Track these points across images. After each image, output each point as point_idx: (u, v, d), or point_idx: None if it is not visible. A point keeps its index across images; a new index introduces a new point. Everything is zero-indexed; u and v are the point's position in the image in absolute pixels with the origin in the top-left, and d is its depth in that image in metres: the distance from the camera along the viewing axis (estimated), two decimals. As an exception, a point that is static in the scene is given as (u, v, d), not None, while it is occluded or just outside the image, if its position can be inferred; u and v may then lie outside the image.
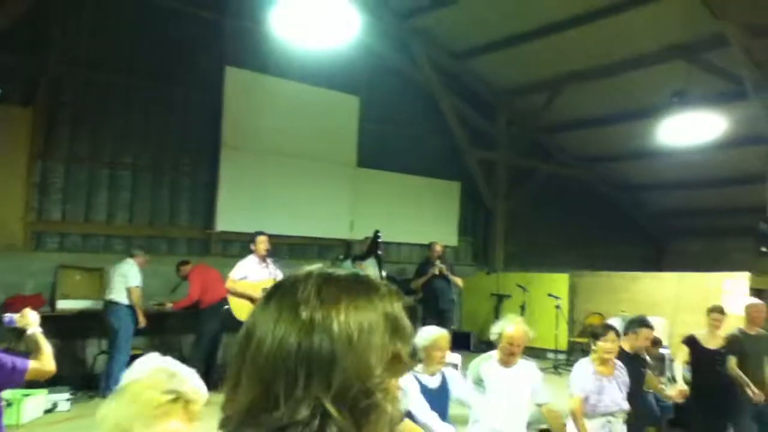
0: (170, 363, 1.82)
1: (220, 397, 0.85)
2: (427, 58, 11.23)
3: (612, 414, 4.36)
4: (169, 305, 8.10)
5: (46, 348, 3.18)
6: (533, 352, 9.65)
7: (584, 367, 4.50)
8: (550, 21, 9.94)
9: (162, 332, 8.48)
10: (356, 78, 10.84)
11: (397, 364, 0.81)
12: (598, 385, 4.37)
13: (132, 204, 8.90)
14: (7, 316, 3.34)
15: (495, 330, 4.18)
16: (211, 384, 6.99)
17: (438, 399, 3.82)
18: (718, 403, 5.54)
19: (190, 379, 1.80)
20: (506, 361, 4.10)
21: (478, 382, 4.14)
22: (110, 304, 7.27)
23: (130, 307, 7.29)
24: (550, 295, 9.41)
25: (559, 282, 10.18)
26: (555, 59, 10.86)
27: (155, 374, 1.76)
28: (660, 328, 7.77)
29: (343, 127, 10.70)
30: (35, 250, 8.13)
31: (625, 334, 5.07)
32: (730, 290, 8.30)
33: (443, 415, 3.83)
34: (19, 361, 3.03)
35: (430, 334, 3.91)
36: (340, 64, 10.06)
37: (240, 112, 9.55)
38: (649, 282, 9.66)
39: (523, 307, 9.61)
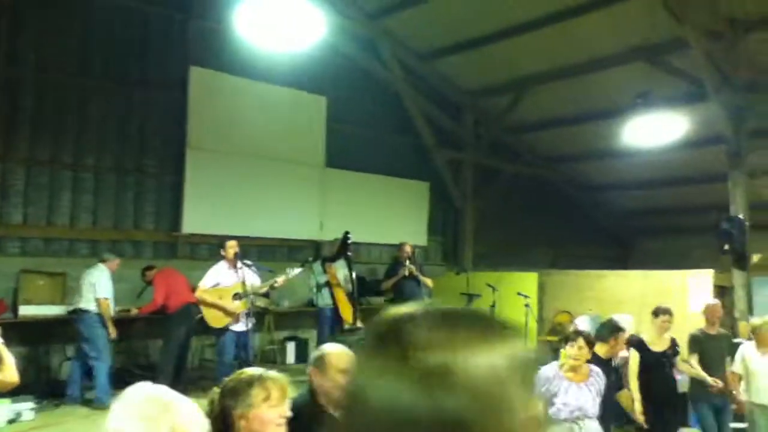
0: (162, 393, 1.72)
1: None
2: (394, 58, 11.24)
3: (576, 420, 4.18)
4: (134, 311, 7.96)
5: (9, 359, 3.17)
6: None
7: (547, 370, 4.31)
8: (514, 23, 10.04)
9: (129, 338, 8.33)
10: (323, 78, 10.79)
11: (535, 426, 0.63)
12: (563, 388, 4.21)
13: (95, 207, 8.72)
14: None
15: None
16: (180, 388, 6.94)
17: None
18: (668, 405, 5.59)
19: (184, 410, 1.67)
20: None
21: None
22: (79, 312, 7.11)
23: (100, 315, 7.13)
24: (519, 293, 9.48)
25: (528, 281, 10.27)
26: (519, 60, 10.97)
27: (147, 407, 1.64)
28: (629, 325, 7.90)
29: (311, 128, 10.64)
30: (-5, 255, 7.91)
31: (603, 339, 4.98)
32: (695, 288, 8.47)
33: None
34: None
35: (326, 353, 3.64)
36: (307, 64, 10.01)
37: (205, 112, 9.43)
38: (615, 280, 9.81)
39: (493, 306, 9.66)
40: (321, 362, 3.06)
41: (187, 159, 9.25)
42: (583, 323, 8.82)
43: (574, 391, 4.21)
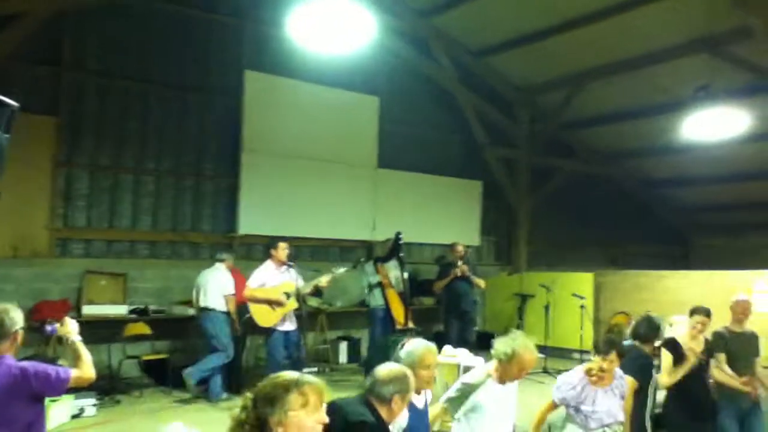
0: None
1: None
2: (446, 56, 11.18)
3: (607, 426, 4.08)
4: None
5: (86, 356, 3.29)
6: (558, 352, 9.58)
7: (574, 375, 4.22)
8: (569, 17, 9.85)
9: (186, 336, 8.53)
10: (375, 78, 10.82)
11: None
12: (591, 396, 4.10)
13: (155, 209, 8.97)
14: (49, 326, 3.47)
15: (506, 349, 3.87)
16: (234, 389, 7.08)
17: (422, 418, 3.67)
18: (700, 407, 5.28)
19: None
20: (505, 381, 3.92)
21: (475, 406, 3.92)
22: (206, 310, 7.44)
23: (227, 314, 7.45)
24: (574, 294, 9.31)
25: (583, 281, 10.07)
26: (575, 55, 10.75)
27: None
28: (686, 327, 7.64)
29: (363, 128, 10.69)
30: (61, 257, 8.23)
31: (646, 340, 4.85)
32: (762, 289, 8.13)
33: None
34: (61, 371, 3.14)
35: (414, 351, 3.58)
36: (359, 65, 10.05)
37: (260, 115, 9.59)
38: (675, 281, 9.50)
39: (547, 307, 9.52)
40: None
41: (243, 162, 9.42)
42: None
43: (600, 398, 4.10)
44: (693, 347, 5.15)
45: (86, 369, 3.26)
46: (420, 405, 3.63)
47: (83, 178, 8.48)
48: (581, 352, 9.18)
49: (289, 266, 6.94)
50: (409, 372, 3.18)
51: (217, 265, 7.75)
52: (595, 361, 4.15)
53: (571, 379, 4.18)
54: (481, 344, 9.16)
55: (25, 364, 3.12)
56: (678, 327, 7.85)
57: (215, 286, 7.48)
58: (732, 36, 9.11)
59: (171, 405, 6.96)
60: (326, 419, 2.22)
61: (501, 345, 3.90)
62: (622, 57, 10.44)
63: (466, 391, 3.92)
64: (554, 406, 4.21)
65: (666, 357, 5.12)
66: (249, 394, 2.17)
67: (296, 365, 6.33)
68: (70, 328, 3.36)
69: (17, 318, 3.18)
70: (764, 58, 8.83)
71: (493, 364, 3.93)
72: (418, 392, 3.52)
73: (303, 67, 9.67)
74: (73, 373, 3.19)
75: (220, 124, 9.51)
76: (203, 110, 9.39)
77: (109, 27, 8.68)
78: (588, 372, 4.15)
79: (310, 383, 2.19)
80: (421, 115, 11.57)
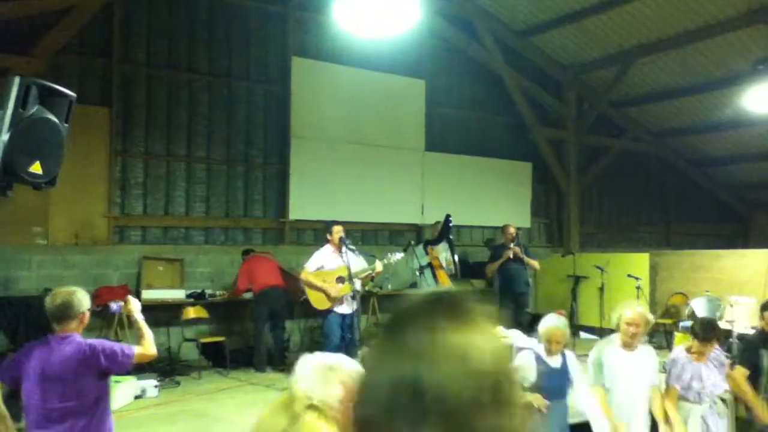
0: (326, 358, 2.06)
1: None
2: (491, 37, 11.03)
3: (716, 396, 4.45)
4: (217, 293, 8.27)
5: (148, 334, 3.49)
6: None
7: (679, 356, 4.52)
8: (617, -8, 9.60)
9: (241, 320, 8.72)
10: (421, 61, 10.78)
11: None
12: (697, 372, 4.41)
13: (208, 196, 9.16)
14: (114, 304, 3.77)
15: (614, 317, 4.29)
16: (280, 368, 7.21)
17: (559, 378, 4.10)
18: None
19: (347, 367, 2.01)
20: (627, 343, 4.19)
21: (597, 367, 4.25)
22: None
23: None
24: (629, 275, 9.13)
25: (638, 262, 9.87)
26: (623, 31, 10.48)
27: (318, 370, 2.01)
28: (749, 308, 7.45)
29: (410, 112, 10.66)
30: (119, 243, 8.48)
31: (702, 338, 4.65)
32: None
33: (563, 392, 4.12)
34: (126, 348, 3.37)
35: (545, 326, 4.12)
36: (404, 49, 10.01)
37: (307, 101, 9.66)
38: (734, 260, 9.24)
39: (601, 289, 9.36)
40: None
41: (291, 148, 9.52)
42: (700, 305, 8.40)
43: (705, 373, 4.41)
44: None
45: (148, 346, 3.45)
46: (555, 365, 4.10)
47: (138, 167, 8.70)
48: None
49: (351, 250, 6.98)
50: None
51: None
52: (695, 345, 4.42)
53: (679, 359, 4.50)
54: (534, 326, 9.10)
55: (94, 341, 3.33)
56: (738, 307, 7.68)
57: None
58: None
59: (228, 386, 7.13)
60: None
61: (613, 314, 4.35)
62: (673, 32, 10.14)
63: (596, 357, 4.31)
64: (676, 391, 4.45)
65: None
66: (294, 377, 2.23)
67: (349, 347, 6.41)
68: (133, 306, 3.55)
69: (84, 300, 3.37)
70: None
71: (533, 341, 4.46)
72: (552, 355, 4.10)
73: (348, 53, 9.69)
74: (137, 350, 3.39)
75: (267, 112, 9.62)
76: (250, 98, 9.51)
77: (156, 18, 8.85)
78: (689, 350, 4.47)
79: (348, 371, 2.32)
80: (467, 97, 11.48)
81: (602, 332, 8.94)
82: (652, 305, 9.57)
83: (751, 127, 11.05)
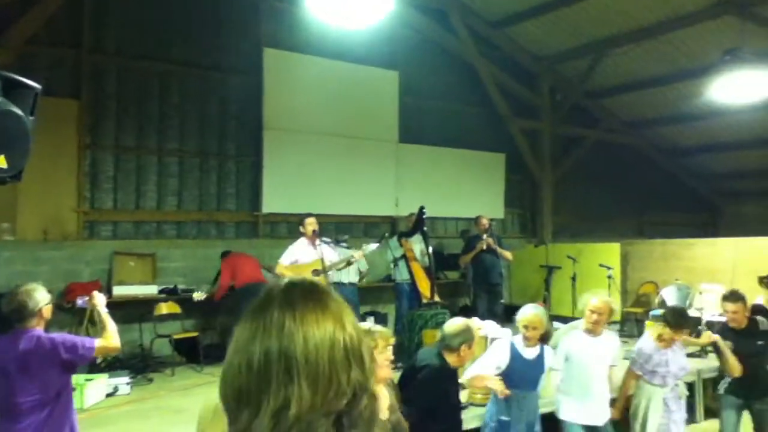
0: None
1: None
2: (465, 27, 11.03)
3: (677, 383, 4.75)
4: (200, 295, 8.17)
5: (111, 327, 3.61)
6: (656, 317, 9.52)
7: (646, 346, 4.76)
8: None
9: (214, 315, 8.64)
10: (394, 52, 10.74)
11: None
12: (663, 359, 4.66)
13: (180, 190, 9.04)
14: (80, 299, 4.05)
15: (580, 303, 4.59)
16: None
17: (533, 368, 4.24)
18: None
19: None
20: (591, 329, 4.45)
21: (564, 354, 4.51)
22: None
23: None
24: (601, 265, 9.23)
25: (610, 251, 9.98)
26: (596, 22, 10.55)
27: None
28: (718, 295, 7.56)
29: (384, 103, 10.63)
30: (89, 239, 8.35)
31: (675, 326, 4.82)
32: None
33: (535, 383, 4.27)
34: (87, 340, 3.49)
35: (523, 315, 4.27)
36: (378, 40, 9.97)
37: (280, 93, 9.57)
38: (704, 249, 9.38)
39: (573, 278, 9.46)
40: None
41: (265, 140, 9.44)
42: (670, 294, 8.52)
43: (671, 358, 4.67)
44: None
45: (110, 338, 3.57)
46: (529, 356, 4.23)
47: (108, 161, 8.56)
48: (609, 323, 9.12)
49: (325, 242, 6.96)
50: (471, 324, 3.95)
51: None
52: (667, 332, 4.62)
53: (644, 348, 4.74)
54: (509, 316, 9.16)
55: (55, 335, 3.44)
56: (707, 295, 7.81)
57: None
58: (760, -4, 8.87)
59: (203, 382, 7.07)
60: (392, 357, 3.13)
61: (580, 300, 4.68)
62: (646, 22, 10.23)
63: (559, 334, 4.64)
64: (636, 375, 4.76)
65: None
66: None
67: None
68: (97, 300, 3.71)
69: (40, 297, 3.42)
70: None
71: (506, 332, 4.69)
72: (529, 347, 4.24)
73: (322, 44, 9.61)
74: (98, 342, 3.50)
75: (240, 103, 9.51)
76: (223, 89, 9.40)
77: (128, 8, 8.69)
78: (659, 338, 4.67)
79: (378, 331, 3.11)
80: (442, 88, 11.47)
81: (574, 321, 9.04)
82: (624, 294, 9.69)
83: (720, 118, 11.21)
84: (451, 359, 3.87)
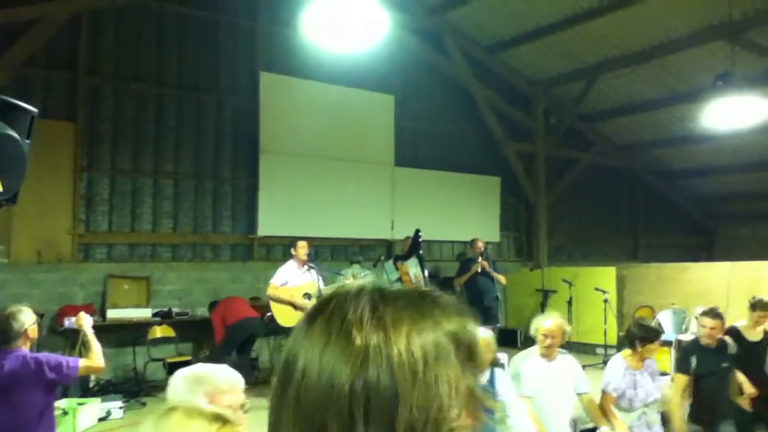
0: (197, 369, 2.15)
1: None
2: (460, 52, 11.14)
3: (647, 405, 4.53)
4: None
5: (96, 346, 3.72)
6: (582, 348, 9.51)
7: (618, 364, 4.59)
8: (583, 8, 9.81)
9: (209, 338, 8.58)
10: (390, 76, 10.81)
11: (472, 400, 0.66)
12: (632, 380, 4.50)
13: (176, 212, 9.03)
14: (67, 320, 4.21)
15: (533, 325, 4.40)
16: (253, 386, 7.19)
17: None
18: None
19: (219, 378, 2.10)
20: (546, 354, 4.31)
21: (516, 378, 4.31)
22: None
23: None
24: (597, 289, 9.23)
25: (606, 275, 9.98)
26: (590, 46, 10.67)
27: (186, 381, 2.08)
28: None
29: (380, 127, 10.68)
30: (84, 261, 8.32)
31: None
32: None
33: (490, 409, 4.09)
34: (71, 360, 3.58)
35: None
36: (373, 63, 10.04)
37: (276, 116, 9.61)
38: (699, 272, 9.40)
39: (570, 302, 9.45)
40: None
41: (261, 163, 9.46)
42: (666, 318, 8.51)
43: (639, 380, 4.52)
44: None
45: (95, 358, 3.68)
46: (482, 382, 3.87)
47: (104, 183, 8.56)
48: (605, 347, 9.12)
49: (311, 267, 6.96)
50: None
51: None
52: (646, 349, 4.48)
53: (618, 369, 4.55)
54: (504, 340, 9.13)
55: (39, 354, 3.54)
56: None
57: None
58: (752, 22, 9.00)
59: (230, 369, 6.99)
60: None
61: (532, 324, 4.44)
62: (638, 47, 10.35)
63: (514, 361, 4.47)
64: (612, 397, 4.53)
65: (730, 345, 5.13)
66: None
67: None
68: (84, 321, 3.83)
69: (24, 318, 3.52)
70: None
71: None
72: None
73: (317, 68, 9.68)
74: (82, 362, 3.60)
75: (236, 126, 9.55)
76: (219, 112, 9.44)
77: (124, 31, 8.75)
78: (628, 357, 4.55)
79: None
80: (437, 112, 11.54)
81: (571, 345, 9.00)
82: (620, 318, 9.67)
83: (713, 142, 11.29)
84: None
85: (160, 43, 9.01)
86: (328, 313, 0.67)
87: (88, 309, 7.72)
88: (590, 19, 9.86)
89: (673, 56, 10.27)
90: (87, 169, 8.42)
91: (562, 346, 4.46)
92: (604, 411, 4.50)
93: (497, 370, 4.15)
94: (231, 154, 9.51)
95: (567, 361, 4.45)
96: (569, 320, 9.15)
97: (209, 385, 2.02)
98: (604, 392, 4.56)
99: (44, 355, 3.51)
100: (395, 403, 0.61)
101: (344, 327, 0.65)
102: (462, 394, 0.64)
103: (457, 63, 11.16)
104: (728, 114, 8.81)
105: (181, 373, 2.10)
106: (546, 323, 4.30)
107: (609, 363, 4.80)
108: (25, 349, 3.48)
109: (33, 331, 3.55)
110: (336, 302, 0.68)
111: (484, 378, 3.95)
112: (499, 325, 8.96)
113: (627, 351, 4.62)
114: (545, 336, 4.26)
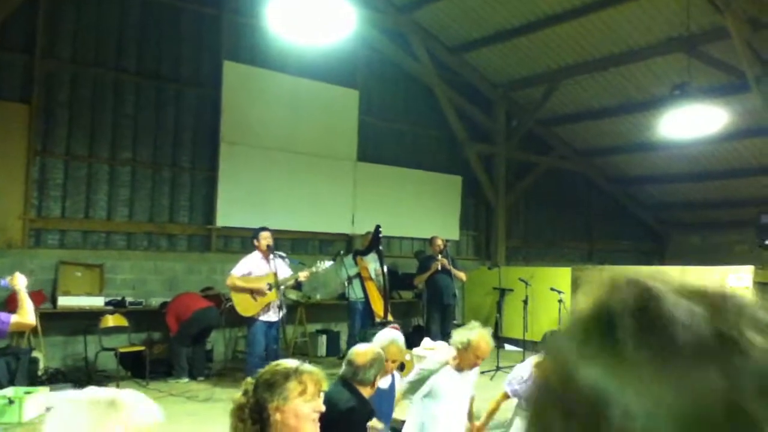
0: (106, 393, 1.53)
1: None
2: (425, 51, 11.20)
3: None
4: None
5: (28, 304, 3.93)
6: (536, 347, 9.66)
7: (525, 369, 4.48)
8: (546, 14, 9.95)
9: (163, 329, 8.45)
10: (355, 72, 10.81)
11: None
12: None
13: (132, 200, 8.86)
14: (2, 280, 4.13)
15: (461, 339, 4.12)
16: (206, 378, 7.19)
17: (387, 398, 4.03)
18: None
19: (133, 407, 1.50)
20: (463, 368, 4.18)
21: (432, 391, 4.17)
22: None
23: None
24: (552, 289, 9.38)
25: (561, 276, 10.15)
26: (552, 52, 10.84)
27: (92, 409, 1.46)
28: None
29: (343, 122, 10.67)
30: (35, 247, 8.10)
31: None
32: (735, 285, 8.28)
33: (389, 413, 4.06)
34: (3, 315, 3.85)
35: (382, 344, 3.92)
36: (339, 58, 10.02)
37: (239, 107, 9.51)
38: (650, 276, 9.61)
39: (525, 301, 9.58)
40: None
41: (221, 153, 9.35)
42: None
43: None
44: None
45: (26, 315, 3.90)
46: (384, 385, 3.96)
47: (58, 168, 8.34)
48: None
49: (281, 257, 6.93)
50: (380, 350, 3.51)
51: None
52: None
53: (522, 372, 4.44)
54: (460, 338, 9.21)
55: None
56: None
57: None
58: (708, 36, 9.27)
59: (148, 397, 6.89)
60: (323, 408, 2.28)
61: (458, 335, 4.20)
62: (599, 55, 10.56)
63: (424, 376, 4.17)
64: (506, 397, 4.48)
65: None
66: (250, 380, 2.23)
67: (270, 358, 6.32)
68: (18, 280, 4.01)
69: None
70: (740, 59, 8.98)
71: (452, 352, 4.17)
72: (383, 377, 3.84)
73: (282, 59, 9.62)
74: (14, 318, 3.86)
75: (197, 115, 9.42)
76: (180, 101, 9.29)
77: (84, 15, 8.55)
78: (537, 366, 4.28)
79: (309, 372, 2.27)
80: (401, 110, 11.58)
81: (525, 344, 9.15)
82: (574, 318, 9.83)
83: (668, 150, 11.57)
84: (366, 392, 3.38)
85: (120, 28, 8.83)
86: (642, 329, 0.43)
87: (38, 296, 7.55)
88: (553, 25, 10.03)
89: (632, 65, 10.50)
90: (41, 153, 8.20)
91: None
92: (497, 401, 4.53)
93: (396, 373, 4.21)
94: (191, 144, 9.37)
95: (473, 372, 4.39)
96: (524, 319, 9.31)
97: (124, 415, 1.44)
98: (503, 392, 4.52)
99: None
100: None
101: (695, 349, 0.41)
102: None
103: (422, 62, 11.22)
104: (684, 123, 9.05)
105: (83, 396, 1.49)
106: (483, 344, 4.10)
107: (517, 366, 4.73)
108: None
109: None
110: (659, 312, 0.44)
111: (387, 382, 3.99)
112: (456, 321, 9.04)
113: (539, 356, 4.63)
114: (477, 357, 4.13)
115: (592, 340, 0.46)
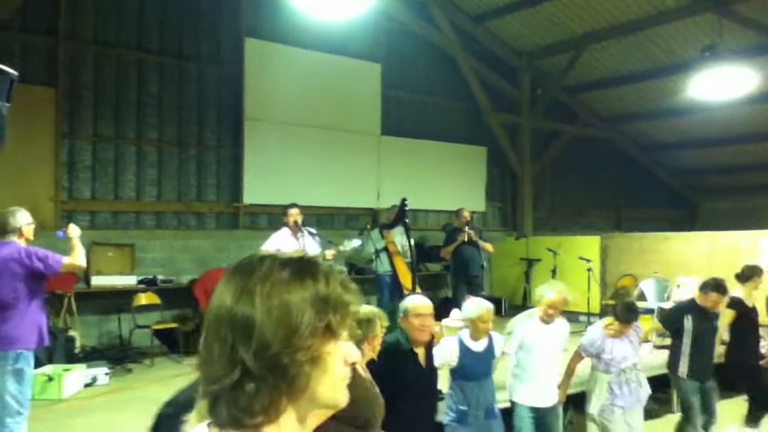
0: None
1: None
2: (447, 21, 11.06)
3: (623, 370, 4.78)
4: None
5: (80, 249, 4.37)
6: (566, 316, 9.62)
7: (594, 333, 4.87)
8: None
9: (194, 305, 8.58)
10: (377, 45, 10.72)
11: (329, 334, 0.91)
12: (608, 346, 4.76)
13: (159, 180, 8.95)
14: (60, 231, 4.65)
15: (537, 293, 4.63)
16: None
17: (483, 359, 4.27)
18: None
19: None
20: (546, 320, 4.56)
21: (507, 336, 4.59)
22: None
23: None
24: (581, 258, 9.30)
25: (589, 244, 10.07)
26: (577, 17, 10.62)
27: None
28: (694, 287, 7.68)
29: (366, 96, 10.61)
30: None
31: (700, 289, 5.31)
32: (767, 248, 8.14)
33: (488, 372, 4.32)
34: (57, 255, 4.20)
35: (474, 309, 4.24)
36: (360, 31, 9.94)
37: (261, 83, 9.50)
38: (680, 242, 9.50)
39: (554, 271, 9.53)
40: (404, 311, 3.89)
41: (245, 131, 9.37)
42: (649, 286, 8.63)
43: (616, 346, 4.78)
44: None
45: (77, 257, 4.29)
46: (477, 348, 4.24)
47: (86, 150, 8.43)
48: (588, 314, 9.23)
49: (311, 233, 6.93)
50: (374, 315, 3.55)
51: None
52: (615, 325, 4.75)
53: (591, 334, 4.87)
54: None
55: (30, 247, 4.16)
56: (685, 288, 7.92)
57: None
58: (739, -6, 9.00)
59: (182, 372, 7.01)
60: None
61: (537, 290, 4.69)
62: (625, 19, 10.32)
63: (510, 330, 4.66)
64: (580, 357, 4.89)
65: (728, 313, 5.70)
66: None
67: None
68: (72, 231, 4.48)
69: (20, 217, 4.20)
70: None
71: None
72: (477, 339, 4.23)
73: (303, 34, 9.56)
74: (66, 259, 4.22)
75: (220, 93, 9.43)
76: (202, 79, 9.30)
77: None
78: (606, 327, 4.81)
79: (380, 314, 3.26)
80: (423, 81, 11.47)
81: (555, 314, 9.11)
82: (603, 287, 9.79)
83: (697, 114, 11.35)
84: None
85: (141, 8, 8.83)
86: (241, 269, 0.93)
87: (73, 277, 7.70)
88: (578, -11, 9.81)
89: (659, 28, 10.25)
90: (68, 135, 8.29)
91: None
92: (570, 365, 4.87)
93: (494, 334, 4.37)
94: (215, 122, 9.40)
95: (560, 324, 4.70)
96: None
97: None
98: (576, 351, 4.92)
99: (33, 248, 4.13)
100: (252, 330, 0.87)
101: (243, 277, 0.91)
102: (318, 329, 0.90)
103: (444, 32, 11.08)
104: (714, 85, 8.86)
105: None
106: (550, 294, 4.50)
107: (589, 329, 5.16)
108: (17, 242, 4.11)
109: (28, 232, 4.21)
110: (248, 263, 0.94)
111: (482, 345, 4.26)
112: (483, 293, 9.02)
113: (608, 319, 4.87)
114: (548, 306, 4.48)
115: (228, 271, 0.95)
